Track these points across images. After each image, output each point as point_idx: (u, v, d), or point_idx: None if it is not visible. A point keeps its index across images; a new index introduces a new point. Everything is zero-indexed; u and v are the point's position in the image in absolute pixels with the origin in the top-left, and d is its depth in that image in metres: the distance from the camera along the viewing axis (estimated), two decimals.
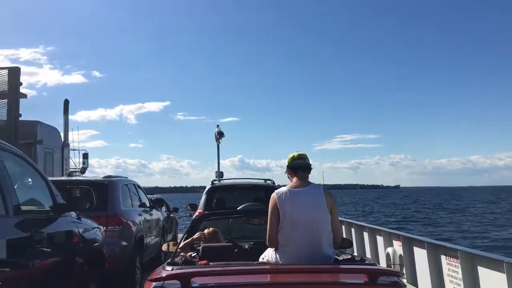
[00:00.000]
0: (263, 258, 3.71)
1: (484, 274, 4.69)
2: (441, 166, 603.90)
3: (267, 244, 3.65)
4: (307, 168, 3.67)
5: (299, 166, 3.64)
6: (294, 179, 3.65)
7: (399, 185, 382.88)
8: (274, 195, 3.59)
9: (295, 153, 3.73)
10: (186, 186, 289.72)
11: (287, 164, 3.71)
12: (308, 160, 3.73)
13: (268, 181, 9.84)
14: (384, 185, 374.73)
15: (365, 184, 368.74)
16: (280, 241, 3.50)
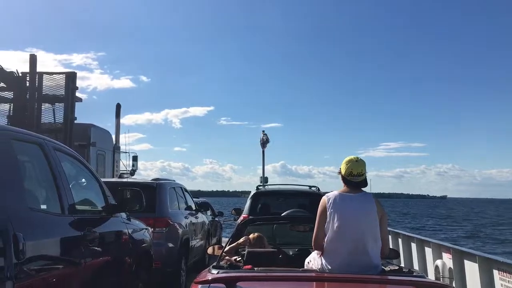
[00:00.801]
0: (308, 263, 3.68)
1: None
2: (490, 177, 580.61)
3: (312, 247, 3.63)
4: (363, 184, 3.56)
5: (354, 183, 3.51)
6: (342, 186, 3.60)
7: (446, 196, 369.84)
8: (324, 198, 3.55)
9: (353, 158, 3.56)
10: (228, 191, 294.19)
11: (342, 170, 3.54)
12: (365, 171, 3.56)
13: (313, 188, 9.78)
14: (430, 195, 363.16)
15: (411, 193, 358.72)
16: (326, 245, 3.47)
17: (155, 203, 7.03)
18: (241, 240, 4.49)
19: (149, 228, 5.79)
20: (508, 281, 4.97)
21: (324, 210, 3.50)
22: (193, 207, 8.98)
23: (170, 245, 6.88)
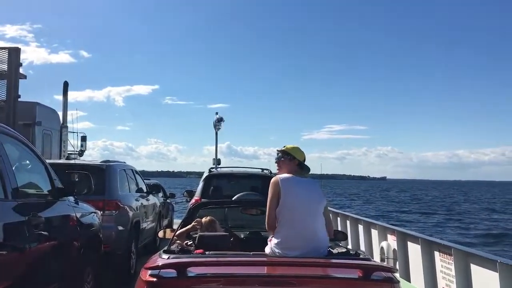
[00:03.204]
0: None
1: (477, 272, 4.74)
2: (426, 159, 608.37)
3: (266, 228, 3.67)
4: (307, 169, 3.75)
5: (305, 168, 3.70)
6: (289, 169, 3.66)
7: (386, 177, 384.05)
8: (276, 179, 3.57)
9: (299, 147, 3.76)
10: (173, 171, 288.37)
11: (295, 156, 3.68)
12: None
13: (265, 171, 9.87)
14: (371, 176, 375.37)
15: (352, 174, 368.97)
16: (277, 228, 3.51)
17: (105, 185, 6.88)
18: (193, 224, 4.48)
19: (98, 211, 5.68)
20: (448, 262, 5.24)
21: (276, 192, 3.53)
22: (144, 189, 8.87)
23: (120, 228, 6.78)
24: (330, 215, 4.00)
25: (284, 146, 3.77)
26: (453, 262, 5.09)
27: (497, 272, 4.26)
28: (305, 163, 3.74)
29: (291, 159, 3.68)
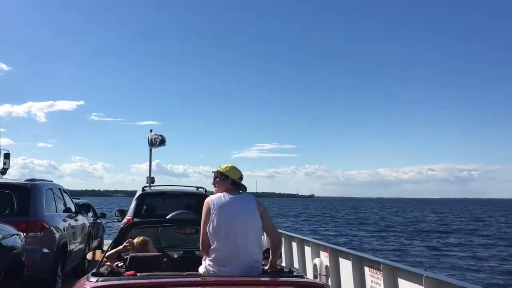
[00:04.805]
0: None
1: (404, 286, 4.93)
2: (351, 178, 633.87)
3: (200, 249, 3.63)
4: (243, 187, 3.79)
5: (242, 186, 3.72)
6: (224, 188, 3.68)
7: (314, 195, 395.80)
8: (208, 199, 3.60)
9: (234, 166, 3.78)
10: (99, 190, 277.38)
11: (228, 175, 3.70)
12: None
13: (200, 189, 9.78)
14: (300, 194, 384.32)
15: (282, 192, 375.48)
16: (212, 246, 3.48)
17: (29, 205, 6.53)
18: (124, 244, 4.33)
19: (21, 233, 5.38)
20: (378, 277, 5.42)
21: (208, 212, 3.53)
22: (73, 209, 8.51)
23: (45, 250, 6.44)
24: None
25: (219, 167, 3.80)
26: (382, 277, 5.27)
27: (423, 286, 4.46)
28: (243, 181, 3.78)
29: (224, 178, 3.72)
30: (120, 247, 4.27)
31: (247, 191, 3.77)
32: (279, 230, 10.30)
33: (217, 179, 3.74)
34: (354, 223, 44.80)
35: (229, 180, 3.71)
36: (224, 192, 3.63)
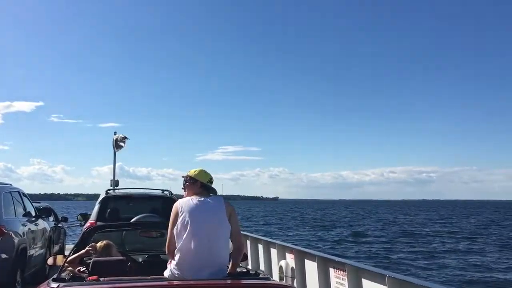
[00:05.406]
0: None
1: (368, 286, 5.02)
2: (315, 180, 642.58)
3: (165, 252, 3.59)
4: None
5: (212, 189, 3.72)
6: (193, 192, 3.66)
7: (278, 197, 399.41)
8: (177, 203, 3.59)
9: (203, 169, 3.79)
10: (59, 194, 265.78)
11: (197, 178, 3.69)
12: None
13: (165, 192, 9.66)
14: (264, 196, 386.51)
15: (246, 195, 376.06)
16: (177, 250, 3.45)
17: None
18: (87, 248, 4.23)
19: None
20: (342, 278, 5.50)
21: (176, 215, 3.51)
22: (33, 213, 8.25)
23: (3, 256, 6.24)
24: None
25: (189, 171, 3.80)
26: (346, 278, 5.34)
27: (386, 286, 4.55)
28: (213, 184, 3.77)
29: (193, 182, 3.72)
30: (83, 251, 4.17)
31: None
32: (246, 233, 10.34)
33: (187, 183, 3.74)
34: (321, 226, 45.09)
35: (198, 183, 3.70)
36: (193, 196, 3.63)
